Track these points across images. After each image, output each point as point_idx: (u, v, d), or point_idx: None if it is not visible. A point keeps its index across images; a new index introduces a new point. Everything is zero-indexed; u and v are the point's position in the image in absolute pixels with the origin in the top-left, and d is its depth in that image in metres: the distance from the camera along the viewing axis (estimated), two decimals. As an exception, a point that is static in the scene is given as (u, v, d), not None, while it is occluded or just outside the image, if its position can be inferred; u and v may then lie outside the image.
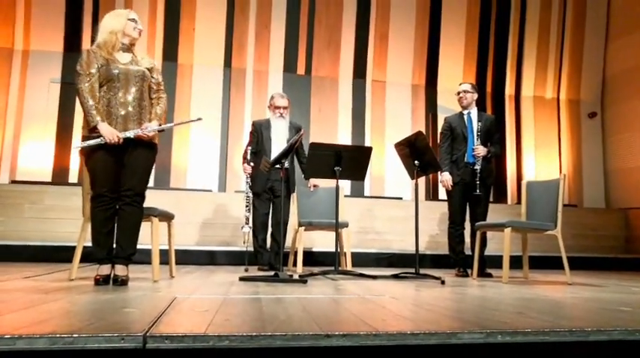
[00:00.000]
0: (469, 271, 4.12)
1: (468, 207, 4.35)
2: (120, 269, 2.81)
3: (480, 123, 4.31)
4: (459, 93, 4.48)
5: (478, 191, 4.17)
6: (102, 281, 2.77)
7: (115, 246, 2.86)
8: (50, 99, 6.33)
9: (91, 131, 2.76)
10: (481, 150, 4.23)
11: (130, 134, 2.79)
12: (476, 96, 4.47)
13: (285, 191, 4.28)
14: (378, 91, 7.12)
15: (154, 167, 5.39)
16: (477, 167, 4.20)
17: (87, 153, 2.80)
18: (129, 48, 2.97)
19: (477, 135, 4.27)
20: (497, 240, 4.78)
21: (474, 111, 4.44)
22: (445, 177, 4.28)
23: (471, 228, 4.31)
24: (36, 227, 5.31)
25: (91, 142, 2.73)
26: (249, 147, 4.48)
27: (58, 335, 1.28)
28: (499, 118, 7.40)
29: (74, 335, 1.29)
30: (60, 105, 6.35)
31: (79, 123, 6.33)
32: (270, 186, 4.39)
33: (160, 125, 2.94)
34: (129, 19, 2.94)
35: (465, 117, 4.42)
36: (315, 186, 4.58)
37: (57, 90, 6.37)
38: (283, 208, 3.79)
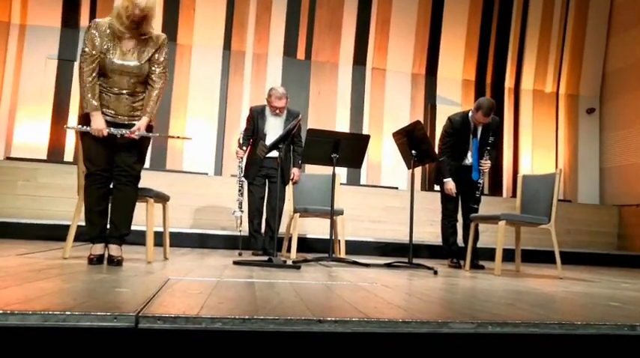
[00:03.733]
0: (462, 262, 4.14)
1: (460, 200, 4.31)
2: (114, 250, 2.81)
3: (492, 138, 4.16)
4: (480, 122, 4.13)
5: (476, 205, 4.14)
6: (95, 260, 2.77)
7: (109, 225, 2.86)
8: (47, 76, 6.27)
9: (85, 114, 2.75)
10: (488, 166, 4.16)
11: (117, 133, 2.75)
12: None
13: (280, 177, 4.27)
14: (377, 79, 7.08)
15: (150, 148, 5.31)
16: (481, 181, 4.14)
17: (83, 131, 2.78)
18: (135, 27, 2.74)
19: (486, 151, 4.15)
20: (490, 232, 4.81)
21: None
22: (449, 186, 4.17)
23: (463, 220, 4.31)
24: (29, 204, 5.28)
25: (80, 128, 2.75)
26: (243, 133, 4.46)
27: (50, 313, 1.28)
28: (498, 111, 7.37)
29: (66, 313, 1.29)
30: (57, 82, 6.29)
31: (75, 100, 6.31)
32: (264, 173, 4.38)
33: (151, 121, 2.88)
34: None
35: (472, 125, 4.22)
36: (295, 181, 4.54)
37: (54, 66, 6.30)
38: (279, 194, 3.79)
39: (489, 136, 4.17)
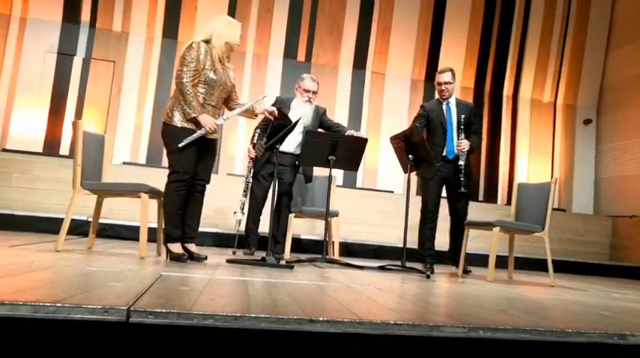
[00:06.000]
0: (434, 268, 4.00)
1: (442, 202, 4.15)
2: (195, 247, 3.15)
3: (463, 116, 4.04)
4: (439, 84, 4.14)
5: (463, 189, 3.98)
6: (186, 257, 3.00)
7: (185, 228, 3.12)
8: (46, 69, 6.25)
9: (188, 121, 2.99)
10: (465, 145, 4.00)
11: (222, 120, 3.13)
12: (455, 84, 4.21)
13: (292, 177, 4.19)
14: (377, 83, 7.10)
15: (147, 145, 5.32)
16: (462, 162, 3.99)
17: (182, 140, 2.95)
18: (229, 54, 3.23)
19: (460, 129, 4.04)
20: (484, 238, 4.81)
21: (452, 101, 4.18)
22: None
23: (451, 223, 4.18)
24: (23, 197, 5.26)
25: (195, 136, 2.96)
26: (259, 130, 4.17)
27: (41, 304, 1.28)
28: (496, 118, 7.42)
29: (57, 305, 1.28)
30: (55, 76, 6.28)
31: (73, 95, 6.30)
32: (278, 170, 4.17)
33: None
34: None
35: (444, 106, 4.14)
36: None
37: (53, 60, 6.29)
38: (275, 192, 3.73)
39: (462, 116, 4.05)
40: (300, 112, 4.03)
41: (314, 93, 4.20)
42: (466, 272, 4.12)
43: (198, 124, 3.00)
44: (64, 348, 1.28)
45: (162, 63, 6.56)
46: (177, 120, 3.01)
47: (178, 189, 3.02)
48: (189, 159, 3.02)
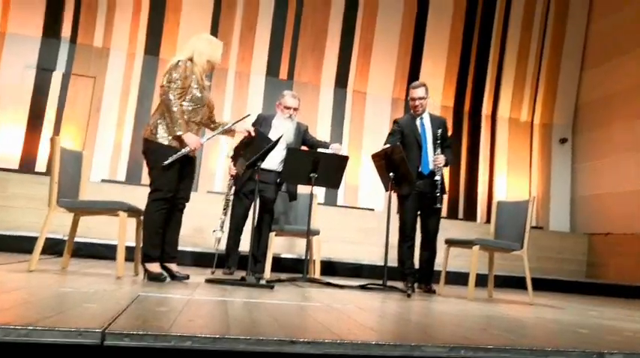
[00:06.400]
0: (416, 285, 3.97)
1: (420, 219, 4.13)
2: (176, 267, 3.13)
3: (440, 131, 4.01)
4: (413, 99, 4.09)
5: (438, 204, 3.94)
6: (164, 277, 2.98)
7: (165, 247, 3.09)
8: (24, 85, 6.16)
9: (172, 139, 2.99)
10: (442, 160, 3.96)
11: (205, 140, 3.23)
12: (429, 99, 4.18)
13: (274, 194, 4.16)
14: (358, 102, 7.17)
15: (126, 162, 5.23)
16: (437, 178, 3.95)
17: (166, 157, 2.95)
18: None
19: (436, 144, 4.02)
20: (464, 256, 4.84)
21: (426, 116, 4.14)
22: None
23: (422, 239, 4.11)
24: (-2, 214, 5.12)
25: (180, 154, 2.97)
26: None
27: (12, 327, 1.24)
28: (475, 137, 7.54)
29: (29, 328, 1.24)
30: (34, 93, 6.19)
31: (52, 111, 6.21)
32: (260, 187, 4.12)
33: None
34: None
35: (418, 122, 4.11)
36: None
37: (32, 76, 6.21)
38: (255, 211, 3.71)
39: (438, 131, 4.03)
40: (282, 130, 4.03)
41: (295, 109, 4.21)
42: (431, 291, 4.00)
43: (182, 142, 2.98)
44: (35, 373, 1.24)
45: (143, 79, 6.53)
46: (161, 137, 2.98)
47: (160, 207, 2.99)
48: (172, 177, 3.01)
